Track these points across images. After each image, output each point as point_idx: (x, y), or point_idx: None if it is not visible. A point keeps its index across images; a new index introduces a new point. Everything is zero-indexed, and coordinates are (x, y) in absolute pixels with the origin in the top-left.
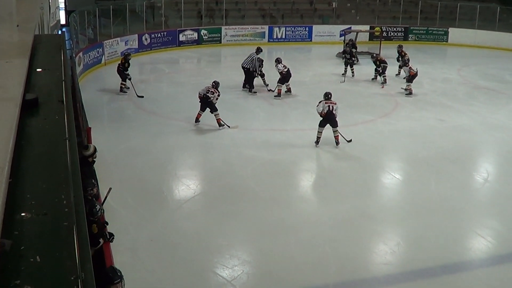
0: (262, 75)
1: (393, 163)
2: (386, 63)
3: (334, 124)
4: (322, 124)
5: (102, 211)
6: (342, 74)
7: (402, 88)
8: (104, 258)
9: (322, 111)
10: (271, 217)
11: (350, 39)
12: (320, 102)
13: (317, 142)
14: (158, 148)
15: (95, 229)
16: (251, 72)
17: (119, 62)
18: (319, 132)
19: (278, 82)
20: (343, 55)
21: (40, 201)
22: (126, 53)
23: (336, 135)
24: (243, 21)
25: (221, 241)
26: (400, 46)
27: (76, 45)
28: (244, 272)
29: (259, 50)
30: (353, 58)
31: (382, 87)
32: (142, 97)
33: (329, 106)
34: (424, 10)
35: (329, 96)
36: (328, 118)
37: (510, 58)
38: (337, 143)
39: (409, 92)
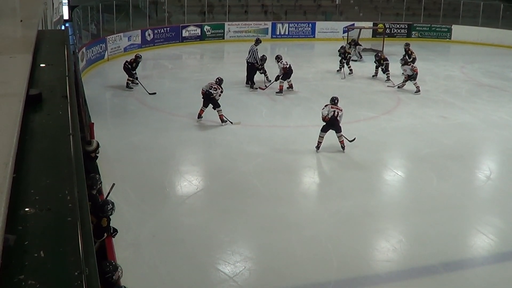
0: (264, 72)
1: (395, 160)
2: (388, 60)
3: (337, 130)
4: (324, 129)
5: (113, 210)
6: (337, 71)
7: (389, 86)
8: (106, 253)
9: (326, 116)
10: (273, 213)
11: (352, 39)
12: (326, 106)
13: (317, 147)
14: (160, 143)
15: (104, 223)
16: (253, 67)
17: (129, 59)
18: (321, 137)
19: (280, 78)
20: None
21: (43, 196)
22: (138, 55)
23: (341, 140)
24: (246, 17)
25: (223, 237)
26: (407, 44)
27: (79, 41)
28: (246, 268)
29: (258, 42)
30: (349, 55)
31: (393, 84)
32: (155, 93)
33: (334, 111)
34: (427, 7)
35: (336, 101)
36: (331, 124)
37: None
38: (343, 147)
39: (417, 90)
